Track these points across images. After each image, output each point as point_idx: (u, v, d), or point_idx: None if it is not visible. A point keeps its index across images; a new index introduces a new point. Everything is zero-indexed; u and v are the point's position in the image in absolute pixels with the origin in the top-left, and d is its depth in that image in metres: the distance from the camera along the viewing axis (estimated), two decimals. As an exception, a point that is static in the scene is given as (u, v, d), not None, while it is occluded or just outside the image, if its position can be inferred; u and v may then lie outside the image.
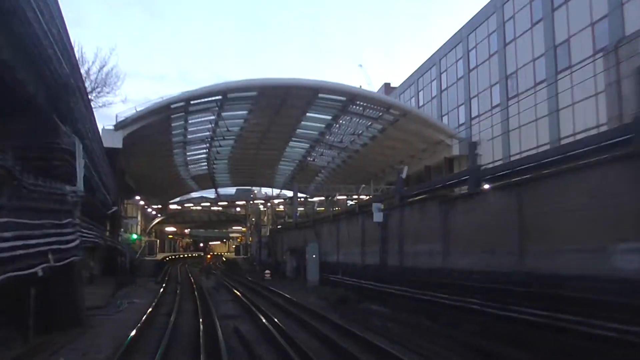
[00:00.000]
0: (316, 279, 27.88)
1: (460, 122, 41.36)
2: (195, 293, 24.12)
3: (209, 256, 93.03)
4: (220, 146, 53.35)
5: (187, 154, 56.63)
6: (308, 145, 55.44)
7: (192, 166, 65.07)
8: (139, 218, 60.13)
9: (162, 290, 26.01)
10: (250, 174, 72.88)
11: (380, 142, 46.50)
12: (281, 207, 67.37)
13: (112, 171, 39.15)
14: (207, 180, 74.67)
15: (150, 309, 17.20)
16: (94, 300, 17.52)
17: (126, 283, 28.86)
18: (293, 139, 53.27)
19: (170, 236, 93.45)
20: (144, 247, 47.27)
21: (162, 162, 54.33)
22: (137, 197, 52.47)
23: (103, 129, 36.68)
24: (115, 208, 36.51)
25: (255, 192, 79.97)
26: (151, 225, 67.97)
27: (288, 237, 39.25)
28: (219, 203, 76.30)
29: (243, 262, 50.33)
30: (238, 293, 24.59)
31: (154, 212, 71.60)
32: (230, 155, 61.18)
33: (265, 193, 77.28)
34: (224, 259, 66.67)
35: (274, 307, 19.39)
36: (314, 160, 59.99)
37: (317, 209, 46.89)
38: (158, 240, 76.67)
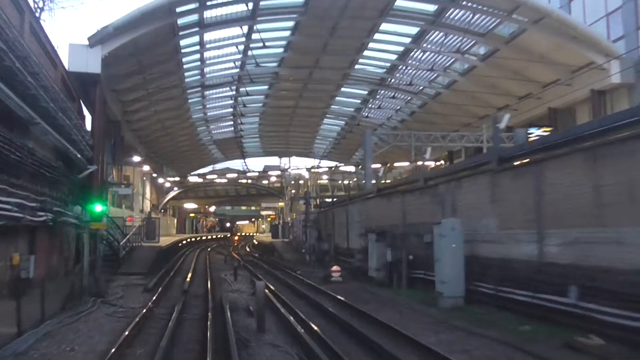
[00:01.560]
0: (458, 291, 14.11)
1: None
2: (210, 321, 10.92)
3: (236, 237, 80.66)
4: (247, 94, 39.71)
5: (207, 104, 43.27)
6: (366, 91, 41.43)
7: (213, 126, 51.86)
8: (147, 190, 47.43)
9: (141, 314, 12.69)
10: (284, 140, 59.38)
11: (477, 78, 32.07)
12: (324, 179, 53.64)
13: (91, 112, 26.04)
14: (233, 146, 61.31)
15: None
16: None
17: (87, 293, 15.67)
18: (348, 79, 39.17)
19: (192, 214, 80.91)
20: (142, 228, 34.22)
21: (173, 110, 40.93)
22: (137, 159, 39.31)
23: (71, 46, 23.65)
24: (92, 169, 23.39)
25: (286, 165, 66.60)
26: (165, 200, 55.12)
27: (360, 211, 25.46)
28: (248, 174, 63.31)
29: (284, 247, 37.05)
30: (301, 323, 11.23)
31: (168, 185, 58.93)
32: (262, 109, 47.69)
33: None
34: (255, 242, 53.58)
35: None
36: (367, 115, 46.10)
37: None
38: (159, 219, 64.05)
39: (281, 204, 43.33)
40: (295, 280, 21.48)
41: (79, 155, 21.26)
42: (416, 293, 16.07)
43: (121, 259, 24.73)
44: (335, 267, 21.25)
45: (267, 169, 70.24)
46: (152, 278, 20.87)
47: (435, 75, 34.93)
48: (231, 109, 46.48)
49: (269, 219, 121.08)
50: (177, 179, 62.55)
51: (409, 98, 40.01)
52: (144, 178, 45.07)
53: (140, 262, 25.27)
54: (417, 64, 33.79)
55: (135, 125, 39.81)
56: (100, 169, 25.57)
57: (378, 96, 41.38)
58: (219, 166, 71.66)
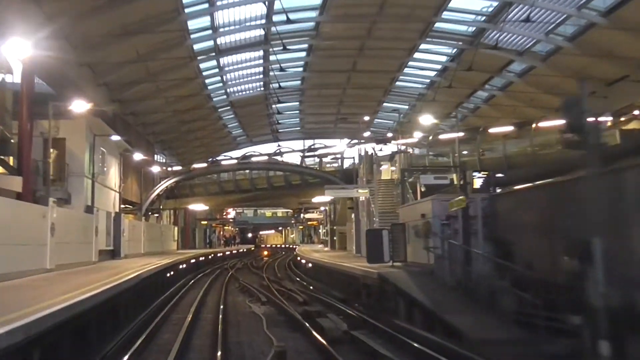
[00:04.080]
0: None
1: None
2: None
3: (265, 253, 59.20)
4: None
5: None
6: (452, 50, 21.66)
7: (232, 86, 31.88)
8: (114, 172, 25.62)
9: None
10: (330, 120, 39.46)
11: None
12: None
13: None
14: (260, 110, 40.32)
15: None
16: None
17: None
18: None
19: (204, 222, 59.65)
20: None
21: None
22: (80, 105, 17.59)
23: None
24: None
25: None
26: (154, 195, 33.10)
27: None
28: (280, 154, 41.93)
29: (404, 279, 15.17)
30: None
31: (163, 168, 37.73)
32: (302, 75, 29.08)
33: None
34: (302, 260, 31.75)
35: None
36: (450, 85, 26.15)
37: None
38: (176, 227, 42.44)
39: (363, 191, 21.23)
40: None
41: None
42: None
43: None
44: None
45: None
46: None
47: None
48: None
49: (300, 227, 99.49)
50: (179, 168, 41.33)
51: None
52: (103, 150, 23.76)
53: None
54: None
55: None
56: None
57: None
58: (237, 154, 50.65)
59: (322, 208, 46.79)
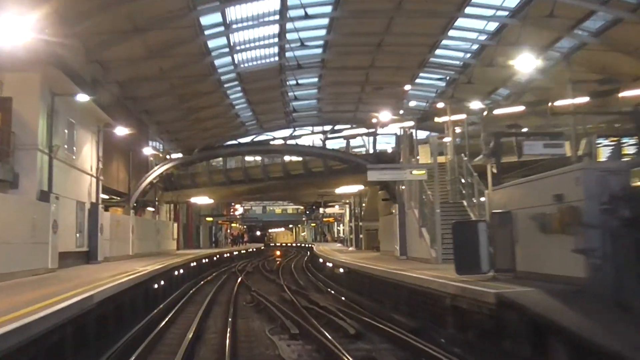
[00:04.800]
0: None
1: None
2: None
3: (277, 252, 53.30)
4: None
5: None
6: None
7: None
8: (92, 149, 19.39)
9: None
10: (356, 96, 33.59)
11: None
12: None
13: None
14: (273, 86, 34.31)
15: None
16: None
17: None
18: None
19: (210, 218, 53.72)
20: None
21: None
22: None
23: None
24: None
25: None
26: (146, 182, 26.87)
27: None
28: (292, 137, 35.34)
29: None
30: None
31: (160, 153, 31.76)
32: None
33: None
34: (328, 263, 25.61)
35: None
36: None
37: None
38: (175, 224, 36.35)
39: (419, 172, 15.22)
40: None
41: None
42: None
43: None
44: None
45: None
46: None
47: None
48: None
49: (312, 225, 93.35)
50: (178, 156, 35.15)
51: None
52: (72, 121, 17.71)
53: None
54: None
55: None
56: None
57: None
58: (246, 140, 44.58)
59: (343, 202, 40.62)
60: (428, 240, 17.99)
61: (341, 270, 21.33)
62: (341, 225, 67.14)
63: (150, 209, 32.42)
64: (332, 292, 18.93)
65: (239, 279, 24.06)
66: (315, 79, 35.72)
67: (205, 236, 53.31)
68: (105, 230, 21.09)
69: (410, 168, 17.18)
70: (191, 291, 19.57)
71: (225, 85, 33.67)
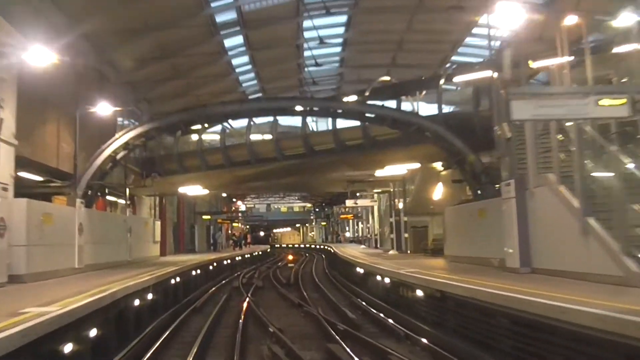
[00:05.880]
0: None
1: None
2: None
3: (290, 257, 44.32)
4: None
5: None
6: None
7: None
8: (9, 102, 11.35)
9: None
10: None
11: None
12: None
13: None
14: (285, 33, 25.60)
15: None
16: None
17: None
18: None
19: (207, 217, 44.81)
20: None
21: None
22: None
23: None
24: None
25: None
26: (106, 152, 18.00)
27: None
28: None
29: None
30: None
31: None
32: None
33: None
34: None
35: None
36: None
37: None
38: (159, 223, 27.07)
39: (616, 101, 6.55)
40: None
41: None
42: None
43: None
44: None
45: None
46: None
47: None
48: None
49: (323, 224, 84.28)
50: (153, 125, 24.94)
51: None
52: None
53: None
54: None
55: None
56: None
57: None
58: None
59: (380, 190, 31.42)
60: (611, 242, 9.33)
61: (419, 293, 12.36)
62: (359, 223, 58.24)
63: (121, 200, 23.54)
64: (415, 335, 10.00)
65: (245, 304, 15.24)
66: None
67: (202, 238, 44.39)
68: (18, 228, 12.34)
69: (600, 93, 8.38)
70: (154, 347, 10.43)
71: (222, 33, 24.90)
